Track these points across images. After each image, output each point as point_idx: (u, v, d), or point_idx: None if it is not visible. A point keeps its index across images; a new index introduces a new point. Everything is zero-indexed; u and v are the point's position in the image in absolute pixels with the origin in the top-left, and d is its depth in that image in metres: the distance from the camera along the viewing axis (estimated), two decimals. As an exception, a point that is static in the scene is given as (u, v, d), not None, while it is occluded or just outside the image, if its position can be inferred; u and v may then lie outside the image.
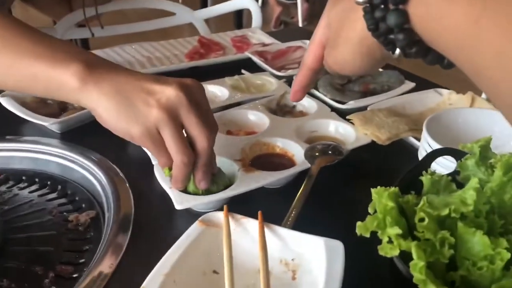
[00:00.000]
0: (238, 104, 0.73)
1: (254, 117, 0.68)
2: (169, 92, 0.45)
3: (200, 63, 0.90)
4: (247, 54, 0.91)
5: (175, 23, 1.16)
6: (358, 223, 0.31)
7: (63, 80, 0.44)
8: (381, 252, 0.29)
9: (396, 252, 0.28)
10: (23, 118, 0.69)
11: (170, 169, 0.49)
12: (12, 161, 0.65)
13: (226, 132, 0.66)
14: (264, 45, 0.99)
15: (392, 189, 0.32)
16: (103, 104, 0.45)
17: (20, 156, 0.65)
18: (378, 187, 0.33)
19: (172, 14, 1.16)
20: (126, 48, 0.96)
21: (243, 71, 0.83)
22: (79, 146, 0.65)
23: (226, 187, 0.53)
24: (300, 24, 3.68)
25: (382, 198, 0.31)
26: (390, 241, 0.29)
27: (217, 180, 0.52)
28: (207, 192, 0.51)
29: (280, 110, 0.71)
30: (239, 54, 0.95)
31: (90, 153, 0.64)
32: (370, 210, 0.34)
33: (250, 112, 0.69)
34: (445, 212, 0.29)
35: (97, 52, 0.94)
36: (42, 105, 0.70)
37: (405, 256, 0.29)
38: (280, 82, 0.79)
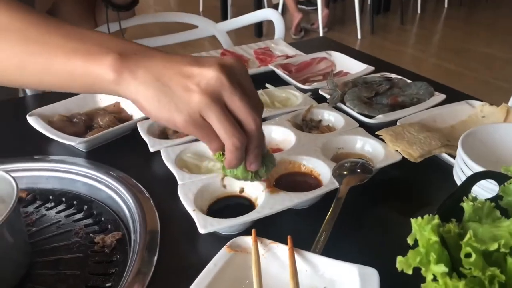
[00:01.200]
0: (263, 119, 0.71)
1: (280, 133, 0.67)
2: (209, 75, 0.42)
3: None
4: (271, 67, 0.90)
5: (198, 36, 1.16)
6: (399, 258, 0.29)
7: (98, 74, 0.43)
8: (424, 292, 0.27)
9: (441, 293, 0.26)
10: (50, 137, 0.69)
11: (222, 154, 0.46)
12: (39, 181, 0.65)
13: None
14: (288, 57, 0.98)
15: (435, 221, 0.30)
16: (143, 94, 0.42)
17: (47, 175, 0.66)
18: (419, 218, 0.31)
19: (195, 27, 1.16)
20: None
21: (267, 85, 0.81)
22: (104, 165, 0.65)
23: (272, 168, 0.51)
24: (321, 31, 3.65)
25: (424, 231, 0.29)
26: (434, 279, 0.27)
27: (266, 162, 0.50)
28: (256, 175, 0.49)
29: (306, 125, 0.70)
30: (262, 67, 0.94)
31: (116, 171, 0.63)
32: (409, 241, 0.32)
33: (276, 128, 0.67)
34: (494, 247, 0.27)
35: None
36: (68, 124, 0.71)
37: (450, 296, 0.27)
38: (305, 95, 0.78)
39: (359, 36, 3.81)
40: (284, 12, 3.84)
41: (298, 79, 0.85)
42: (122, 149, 0.70)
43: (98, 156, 0.68)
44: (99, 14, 1.09)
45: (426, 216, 0.31)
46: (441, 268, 0.27)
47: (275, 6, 4.16)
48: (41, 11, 0.94)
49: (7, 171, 0.50)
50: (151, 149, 0.64)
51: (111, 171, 0.63)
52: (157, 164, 0.65)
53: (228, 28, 1.17)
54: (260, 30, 3.82)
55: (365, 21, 4.07)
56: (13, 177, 0.49)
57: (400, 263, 0.28)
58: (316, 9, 4.21)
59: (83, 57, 0.43)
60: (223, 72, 0.42)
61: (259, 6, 3.81)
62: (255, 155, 0.46)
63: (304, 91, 0.80)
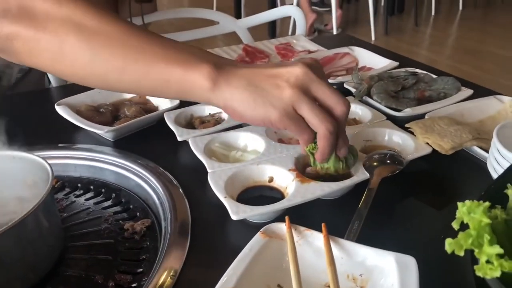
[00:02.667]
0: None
1: (307, 125, 0.67)
2: (296, 71, 0.46)
3: (247, 71, 0.89)
4: (294, 61, 0.90)
5: (219, 32, 1.16)
6: (449, 240, 0.28)
7: (195, 82, 0.46)
8: (479, 273, 0.27)
9: (497, 273, 0.26)
10: (76, 126, 0.70)
11: (311, 147, 0.51)
12: (67, 169, 0.66)
13: (277, 141, 0.64)
14: (310, 52, 0.98)
15: (485, 203, 0.29)
16: (237, 98, 0.46)
17: (75, 163, 0.66)
18: (467, 201, 0.30)
19: (216, 23, 1.17)
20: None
21: (291, 78, 0.81)
22: (132, 154, 0.65)
23: (357, 158, 0.55)
24: (334, 31, 3.64)
25: (475, 213, 0.28)
26: (488, 261, 0.27)
27: (351, 150, 0.54)
28: (346, 165, 0.54)
29: (333, 118, 0.69)
30: (285, 61, 0.94)
31: (144, 160, 0.64)
32: (455, 226, 0.31)
33: (303, 120, 0.67)
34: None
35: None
36: (96, 114, 0.71)
37: (505, 278, 0.26)
38: (330, 89, 0.77)
39: (373, 37, 3.79)
40: (297, 13, 3.83)
41: (322, 74, 0.85)
42: (148, 138, 0.70)
43: (124, 145, 0.68)
44: (121, 8, 1.10)
45: (474, 201, 0.31)
46: (496, 249, 0.26)
47: (289, 7, 4.16)
48: None
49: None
50: (179, 139, 0.64)
51: (139, 160, 0.64)
52: (183, 153, 0.65)
53: (249, 24, 1.17)
54: (274, 30, 3.82)
55: (379, 22, 4.05)
56: (48, 163, 0.49)
57: (451, 244, 0.28)
58: (329, 10, 4.20)
59: (181, 65, 0.47)
60: (309, 67, 0.47)
61: (273, 6, 3.81)
62: (344, 139, 0.51)
63: (329, 84, 0.80)
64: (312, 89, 0.47)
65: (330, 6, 4.10)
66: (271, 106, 0.46)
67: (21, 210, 0.51)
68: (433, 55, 3.61)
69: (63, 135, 0.72)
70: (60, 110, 0.71)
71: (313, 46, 1.02)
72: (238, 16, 4.03)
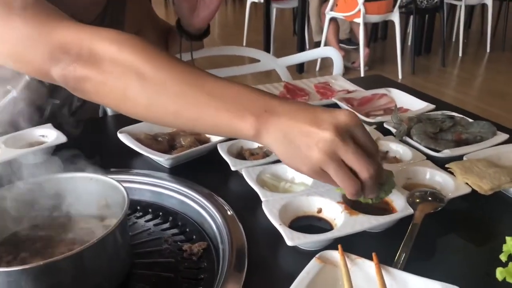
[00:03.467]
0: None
1: (350, 162, 0.71)
2: (325, 136, 0.49)
3: (289, 108, 0.95)
4: (334, 100, 0.96)
5: (260, 69, 1.24)
6: (500, 269, 0.32)
7: (242, 131, 0.53)
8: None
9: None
10: (134, 153, 0.76)
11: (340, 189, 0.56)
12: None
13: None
14: (348, 91, 1.03)
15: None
16: (275, 148, 0.53)
17: (135, 187, 0.72)
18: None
19: (257, 61, 1.24)
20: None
21: (333, 116, 0.86)
22: (188, 181, 0.71)
23: (391, 188, 0.58)
24: (362, 69, 3.72)
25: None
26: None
27: (384, 188, 0.57)
28: (376, 198, 0.57)
29: (374, 155, 0.74)
30: (324, 99, 1.00)
31: (199, 187, 0.69)
32: (502, 258, 0.35)
33: (347, 157, 0.72)
34: None
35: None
36: (154, 142, 0.77)
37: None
38: (371, 128, 0.82)
39: (400, 76, 3.85)
40: (325, 50, 3.94)
41: (360, 113, 0.90)
42: (201, 166, 0.76)
43: (180, 172, 0.74)
44: (172, 44, 1.19)
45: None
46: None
47: (317, 44, 4.29)
48: None
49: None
50: (233, 168, 0.69)
51: (194, 186, 0.69)
52: (235, 181, 0.71)
53: (288, 63, 1.24)
54: (302, 66, 3.92)
55: (405, 62, 4.12)
56: (123, 186, 0.55)
57: (502, 273, 0.32)
58: (357, 48, 4.30)
59: (229, 114, 0.53)
60: (337, 133, 0.50)
61: (302, 43, 3.94)
62: (371, 191, 0.54)
63: (369, 123, 0.85)
64: (339, 153, 0.50)
65: (357, 44, 4.21)
66: (302, 162, 0.51)
67: (96, 227, 0.57)
68: (460, 95, 3.63)
69: (121, 161, 0.78)
70: (122, 137, 0.77)
71: (351, 86, 1.08)
72: (267, 50, 4.17)
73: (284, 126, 0.51)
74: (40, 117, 0.96)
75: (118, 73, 0.56)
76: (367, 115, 0.91)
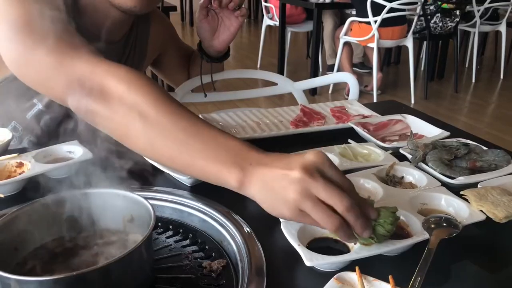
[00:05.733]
0: (348, 171, 0.78)
1: (367, 185, 0.73)
2: (295, 176, 0.52)
3: (306, 131, 0.98)
4: (350, 124, 0.98)
5: (277, 92, 1.27)
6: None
7: (228, 182, 0.58)
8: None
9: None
10: (156, 170, 0.79)
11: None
12: (149, 208, 0.74)
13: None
14: (364, 116, 1.06)
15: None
16: (258, 197, 0.57)
17: (157, 204, 0.74)
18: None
19: (275, 84, 1.28)
20: (238, 112, 1.07)
21: (349, 140, 0.89)
22: (208, 199, 0.73)
23: (393, 224, 0.56)
24: (375, 93, 3.75)
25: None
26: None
27: (381, 223, 0.56)
28: (378, 236, 0.56)
29: (390, 180, 0.76)
30: (341, 123, 1.02)
31: (218, 205, 0.71)
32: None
33: (363, 180, 0.74)
34: None
35: (214, 115, 1.06)
36: (176, 161, 0.80)
37: None
38: (386, 153, 0.84)
39: (412, 101, 3.87)
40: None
41: (376, 138, 0.92)
42: (220, 187, 0.78)
43: (200, 191, 0.76)
44: (193, 66, 1.23)
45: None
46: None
47: (330, 67, 4.34)
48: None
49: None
50: (252, 189, 0.71)
51: (214, 205, 0.71)
52: (253, 201, 0.72)
53: (305, 87, 1.28)
54: (315, 89, 3.97)
55: (418, 87, 4.14)
56: (150, 203, 0.58)
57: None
58: (369, 72, 4.34)
59: (216, 168, 0.58)
60: (305, 171, 0.52)
61: (315, 66, 3.99)
62: (360, 225, 0.53)
63: (384, 148, 0.87)
64: (312, 190, 0.52)
65: (370, 68, 4.25)
66: (283, 206, 0.54)
67: (122, 242, 0.59)
68: (473, 122, 3.63)
69: (144, 177, 0.81)
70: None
71: (366, 111, 1.10)
72: (281, 72, 4.23)
73: (263, 176, 0.55)
74: (64, 131, 1.00)
75: (124, 112, 0.62)
76: (383, 140, 0.93)
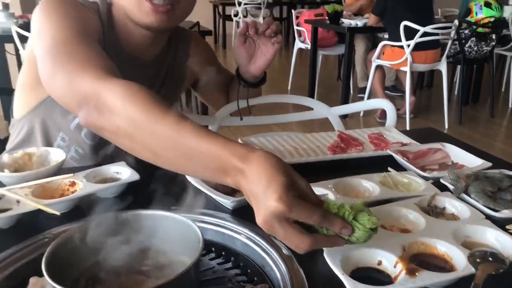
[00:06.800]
0: (388, 200, 0.78)
1: (408, 215, 0.73)
2: (259, 222, 0.57)
3: (344, 157, 0.99)
4: (389, 152, 0.98)
5: (312, 117, 1.29)
6: None
7: (227, 183, 0.61)
8: None
9: None
10: (198, 192, 0.81)
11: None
12: (192, 230, 0.76)
13: (380, 227, 0.71)
14: (403, 144, 1.06)
15: None
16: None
17: (198, 225, 0.76)
18: None
19: (311, 109, 1.29)
20: (276, 137, 1.09)
21: (389, 169, 0.89)
22: (249, 223, 0.75)
23: (373, 222, 0.58)
24: (407, 117, 3.71)
25: None
26: None
27: (359, 220, 0.58)
28: (353, 238, 0.58)
29: (432, 210, 0.76)
30: (379, 150, 1.02)
31: (260, 230, 0.72)
32: None
33: (405, 211, 0.74)
34: None
35: (251, 138, 1.09)
36: (219, 185, 0.82)
37: None
38: (427, 183, 0.84)
39: (446, 126, 3.80)
40: (370, 96, 3.98)
41: (416, 166, 0.92)
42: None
43: (242, 214, 0.78)
44: (232, 91, 1.27)
45: None
46: None
47: (362, 90, 4.33)
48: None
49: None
50: (294, 215, 0.73)
51: (256, 229, 0.73)
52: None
53: (341, 112, 1.29)
54: (345, 114, 3.96)
55: (452, 111, 4.07)
56: (198, 226, 0.60)
57: None
58: (402, 95, 4.31)
59: (212, 174, 0.61)
60: (265, 223, 0.56)
61: (347, 89, 3.99)
62: (335, 226, 0.57)
63: (425, 178, 0.87)
64: (275, 233, 0.56)
65: (402, 91, 4.22)
66: (259, 222, 0.57)
67: (170, 264, 0.62)
68: (510, 148, 3.52)
69: (186, 199, 0.83)
70: (190, 178, 0.83)
71: (404, 139, 1.10)
72: (311, 95, 4.25)
73: (248, 188, 0.57)
74: (104, 143, 1.05)
75: (124, 125, 0.66)
76: (423, 169, 0.93)
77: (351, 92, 4.52)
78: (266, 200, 0.54)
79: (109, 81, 0.70)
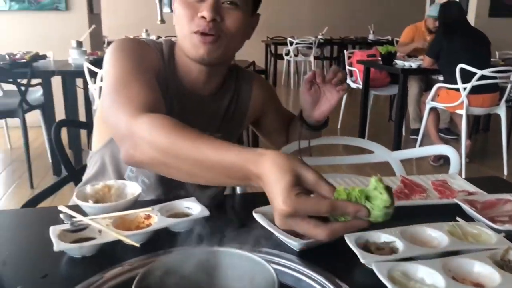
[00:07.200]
0: (458, 252, 0.77)
1: (481, 269, 0.71)
2: (275, 218, 0.64)
3: (409, 204, 0.98)
4: (456, 201, 0.97)
5: (373, 160, 1.29)
6: None
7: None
8: None
9: None
10: (265, 231, 0.83)
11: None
12: (260, 269, 0.78)
13: (452, 279, 0.70)
14: (469, 193, 1.04)
15: None
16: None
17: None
18: None
19: (371, 152, 1.30)
20: (337, 179, 1.10)
21: (458, 218, 0.88)
22: (315, 265, 0.75)
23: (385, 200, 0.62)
24: (463, 161, 3.58)
25: None
26: None
27: (372, 201, 0.63)
28: (377, 214, 0.63)
29: (506, 265, 0.73)
30: (445, 199, 1.01)
31: (326, 273, 0.73)
32: None
33: (478, 264, 0.72)
34: None
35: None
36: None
37: None
38: (499, 235, 0.81)
39: (505, 172, 3.63)
40: (423, 138, 3.89)
41: (485, 217, 0.90)
42: (328, 253, 0.81)
43: (308, 256, 0.79)
44: (292, 131, 1.30)
45: None
46: None
47: (414, 132, 4.25)
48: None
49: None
50: (363, 261, 0.73)
51: (322, 272, 0.73)
52: (362, 273, 0.74)
53: (403, 157, 1.28)
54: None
55: (511, 156, 3.89)
56: (271, 266, 0.62)
57: None
58: (456, 139, 4.18)
59: (232, 181, 0.71)
60: (279, 219, 0.63)
61: (399, 130, 3.94)
62: (350, 229, 0.66)
63: (497, 230, 0.84)
64: (294, 229, 0.64)
65: (457, 134, 4.10)
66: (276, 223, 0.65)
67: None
68: None
69: (251, 238, 0.85)
70: (257, 216, 0.86)
71: (470, 187, 1.07)
72: (362, 135, 4.23)
73: (266, 193, 0.64)
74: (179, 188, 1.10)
75: (154, 153, 0.76)
76: (493, 220, 0.90)
77: (403, 133, 4.45)
78: (275, 203, 0.62)
79: (140, 117, 0.79)
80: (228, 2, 0.98)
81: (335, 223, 0.63)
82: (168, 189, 1.11)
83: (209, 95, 1.13)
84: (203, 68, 1.06)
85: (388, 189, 0.62)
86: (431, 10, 4.52)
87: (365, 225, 0.63)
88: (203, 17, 0.95)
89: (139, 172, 1.10)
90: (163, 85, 1.01)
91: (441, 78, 3.90)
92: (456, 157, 1.20)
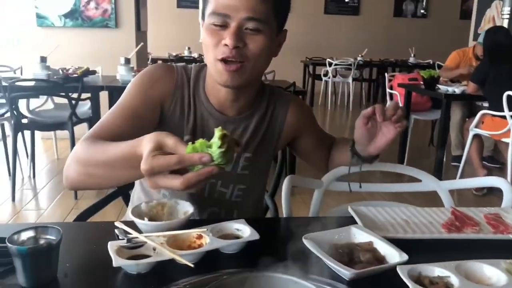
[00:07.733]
0: None
1: (545, 312, 0.69)
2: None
3: (461, 237, 0.96)
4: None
5: (420, 189, 1.26)
6: None
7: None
8: None
9: None
10: (315, 258, 0.83)
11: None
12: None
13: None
14: (525, 229, 1.00)
15: None
16: None
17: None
18: None
19: (419, 180, 1.28)
20: (386, 208, 1.09)
21: (515, 256, 0.85)
22: (367, 297, 0.75)
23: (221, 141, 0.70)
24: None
25: None
26: None
27: (212, 147, 0.71)
28: (218, 156, 0.70)
29: None
30: (499, 234, 0.98)
31: (379, 306, 0.72)
32: None
33: (542, 306, 0.69)
34: None
35: (362, 208, 1.09)
36: (335, 252, 0.84)
37: None
38: (561, 276, 0.78)
39: (555, 205, 3.45)
40: (466, 164, 3.77)
41: (544, 256, 0.86)
42: (379, 284, 0.80)
43: (359, 285, 0.78)
44: (338, 156, 1.28)
45: None
46: None
47: (456, 158, 4.13)
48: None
49: None
50: (418, 296, 0.72)
51: (376, 305, 0.73)
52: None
53: (451, 187, 1.25)
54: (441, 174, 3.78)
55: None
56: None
57: None
58: (501, 167, 4.03)
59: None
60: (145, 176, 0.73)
61: (441, 157, 3.84)
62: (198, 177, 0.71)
63: (558, 271, 0.80)
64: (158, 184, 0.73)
65: (501, 163, 3.95)
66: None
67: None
68: None
69: (301, 265, 0.85)
70: (307, 243, 0.86)
71: (527, 223, 1.03)
72: (401, 160, 4.14)
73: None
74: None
75: (84, 171, 0.91)
76: (552, 260, 0.87)
77: (444, 159, 4.33)
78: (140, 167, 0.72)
79: (77, 144, 0.92)
80: (250, 29, 1.00)
81: (189, 173, 0.70)
82: (191, 195, 1.11)
83: (236, 115, 1.16)
84: (229, 90, 1.10)
85: (223, 136, 0.70)
86: (481, 37, 4.41)
87: (216, 171, 0.70)
88: (226, 45, 0.99)
89: (172, 195, 1.11)
90: (186, 106, 1.12)
91: (485, 104, 3.79)
92: (509, 191, 1.16)
